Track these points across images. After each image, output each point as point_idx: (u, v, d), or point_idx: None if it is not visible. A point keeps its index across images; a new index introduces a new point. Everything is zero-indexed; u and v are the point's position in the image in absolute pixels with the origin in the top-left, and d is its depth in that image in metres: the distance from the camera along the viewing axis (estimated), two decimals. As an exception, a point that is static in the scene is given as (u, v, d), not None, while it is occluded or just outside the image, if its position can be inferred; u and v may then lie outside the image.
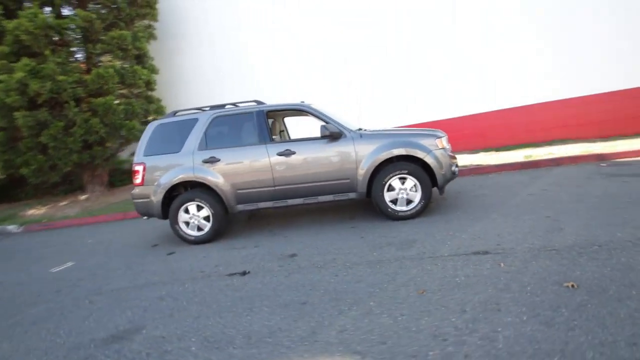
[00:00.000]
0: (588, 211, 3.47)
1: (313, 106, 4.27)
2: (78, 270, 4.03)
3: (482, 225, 3.49)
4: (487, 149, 8.23)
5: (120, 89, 8.89)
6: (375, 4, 8.75)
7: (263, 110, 4.20)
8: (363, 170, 3.96)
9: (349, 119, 4.64)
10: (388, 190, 3.96)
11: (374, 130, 4.23)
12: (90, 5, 8.68)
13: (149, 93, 9.51)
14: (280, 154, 4.04)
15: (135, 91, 9.33)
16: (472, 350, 1.66)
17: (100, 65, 8.60)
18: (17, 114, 7.48)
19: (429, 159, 3.90)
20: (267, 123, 4.17)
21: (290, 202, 4.12)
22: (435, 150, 3.95)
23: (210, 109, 4.43)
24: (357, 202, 5.16)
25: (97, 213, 7.32)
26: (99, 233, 6.01)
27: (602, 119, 7.44)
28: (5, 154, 8.22)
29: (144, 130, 8.91)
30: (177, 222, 4.22)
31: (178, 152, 4.23)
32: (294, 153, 4.03)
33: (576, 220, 3.25)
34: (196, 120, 4.28)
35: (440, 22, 8.42)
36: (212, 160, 4.12)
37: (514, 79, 8.08)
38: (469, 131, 8.46)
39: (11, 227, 7.33)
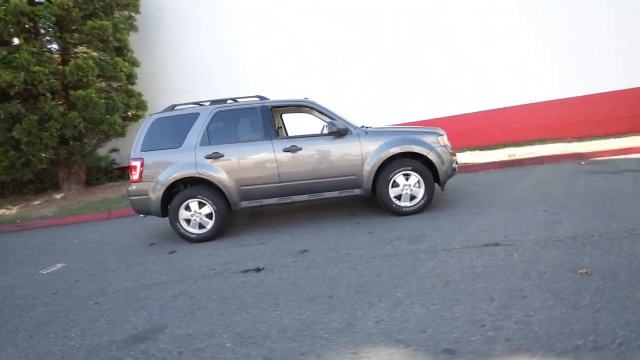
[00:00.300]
0: (580, 205, 3.71)
1: (318, 102, 4.28)
2: (71, 271, 3.81)
3: (484, 219, 3.65)
4: (470, 148, 8.56)
5: (99, 82, 8.46)
6: (373, 3, 8.83)
7: (268, 106, 4.16)
8: (369, 167, 4.01)
9: (350, 117, 4.68)
10: (392, 186, 4.05)
11: (377, 128, 4.30)
12: (68, -8, 8.19)
13: (130, 87, 9.12)
14: (286, 150, 4.01)
15: (115, 85, 8.92)
16: (512, 334, 1.74)
17: (77, 57, 8.13)
18: (-15, 107, 6.96)
19: (432, 156, 4.02)
20: (272, 119, 4.13)
21: (296, 198, 4.11)
22: (437, 147, 4.08)
23: (210, 104, 4.33)
24: (356, 199, 5.22)
25: (77, 212, 6.93)
26: (83, 233, 5.70)
27: (577, 121, 7.94)
28: (-28, 149, 7.61)
29: (125, 125, 8.57)
30: (177, 220, 4.09)
31: (178, 147, 4.10)
32: (300, 149, 4.02)
33: (571, 214, 3.47)
34: (197, 114, 4.16)
35: (438, 21, 8.59)
36: (216, 156, 4.03)
37: (512, 78, 8.34)
38: (451, 132, 8.72)
39: (-20, 229, 6.79)
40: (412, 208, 4.07)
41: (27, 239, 5.93)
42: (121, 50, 8.83)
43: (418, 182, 4.05)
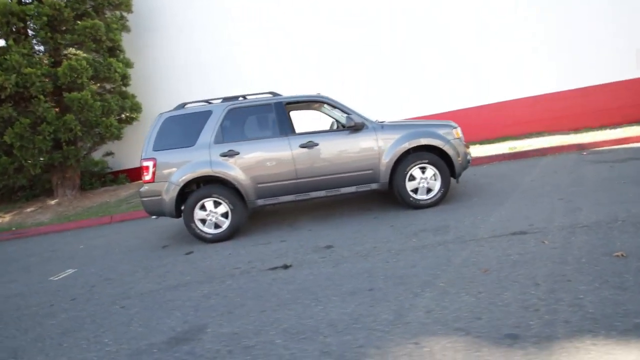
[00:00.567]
0: (593, 193, 3.79)
1: (332, 97, 4.25)
2: (84, 276, 3.68)
3: (504, 209, 3.69)
4: (470, 142, 8.65)
5: (92, 84, 8.22)
6: (369, 3, 8.84)
7: (282, 102, 4.11)
8: (386, 161, 4.01)
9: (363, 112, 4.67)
10: (409, 180, 4.05)
11: (392, 122, 4.30)
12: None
13: (124, 88, 8.90)
14: (302, 146, 3.97)
15: (109, 86, 8.69)
16: (569, 316, 1.75)
17: (69, 58, 7.88)
18: (-25, 111, 6.67)
19: (447, 149, 4.05)
20: (287, 114, 4.08)
21: (313, 194, 4.07)
22: (452, 139, 4.11)
23: (222, 101, 4.25)
24: (369, 194, 5.21)
25: (76, 218, 6.71)
26: (86, 238, 5.52)
27: (573, 113, 8.14)
28: (-40, 155, 7.28)
29: (121, 128, 8.36)
30: (192, 220, 3.99)
31: (192, 146, 4.01)
32: (316, 145, 3.98)
33: (588, 201, 3.54)
34: (210, 112, 4.08)
35: (434, 21, 8.66)
36: (231, 154, 3.96)
37: (508, 78, 8.47)
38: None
39: (-28, 238, 6.50)
40: (429, 201, 4.08)
41: (25, 246, 5.70)
42: (114, 51, 8.61)
43: (434, 175, 4.07)
